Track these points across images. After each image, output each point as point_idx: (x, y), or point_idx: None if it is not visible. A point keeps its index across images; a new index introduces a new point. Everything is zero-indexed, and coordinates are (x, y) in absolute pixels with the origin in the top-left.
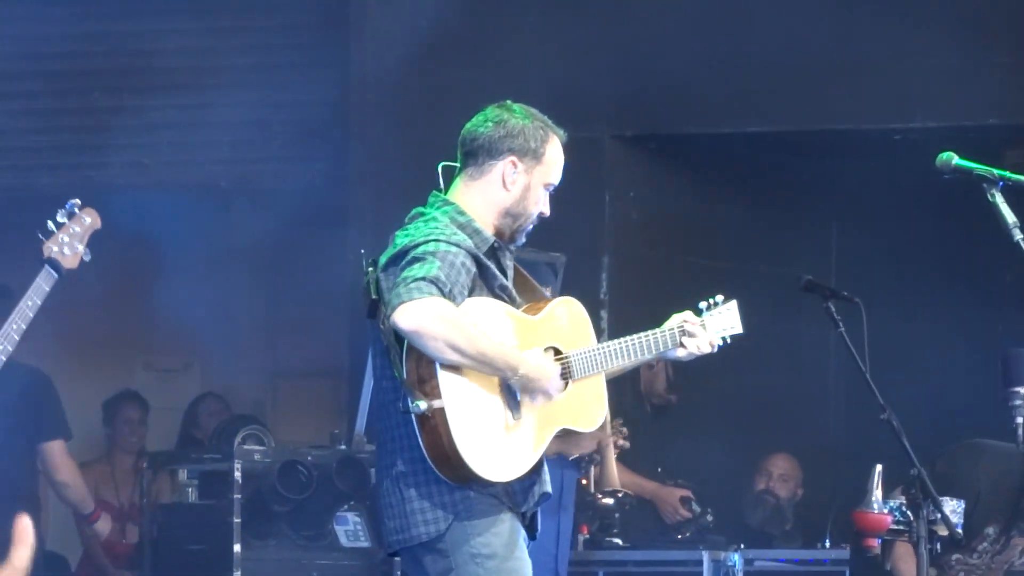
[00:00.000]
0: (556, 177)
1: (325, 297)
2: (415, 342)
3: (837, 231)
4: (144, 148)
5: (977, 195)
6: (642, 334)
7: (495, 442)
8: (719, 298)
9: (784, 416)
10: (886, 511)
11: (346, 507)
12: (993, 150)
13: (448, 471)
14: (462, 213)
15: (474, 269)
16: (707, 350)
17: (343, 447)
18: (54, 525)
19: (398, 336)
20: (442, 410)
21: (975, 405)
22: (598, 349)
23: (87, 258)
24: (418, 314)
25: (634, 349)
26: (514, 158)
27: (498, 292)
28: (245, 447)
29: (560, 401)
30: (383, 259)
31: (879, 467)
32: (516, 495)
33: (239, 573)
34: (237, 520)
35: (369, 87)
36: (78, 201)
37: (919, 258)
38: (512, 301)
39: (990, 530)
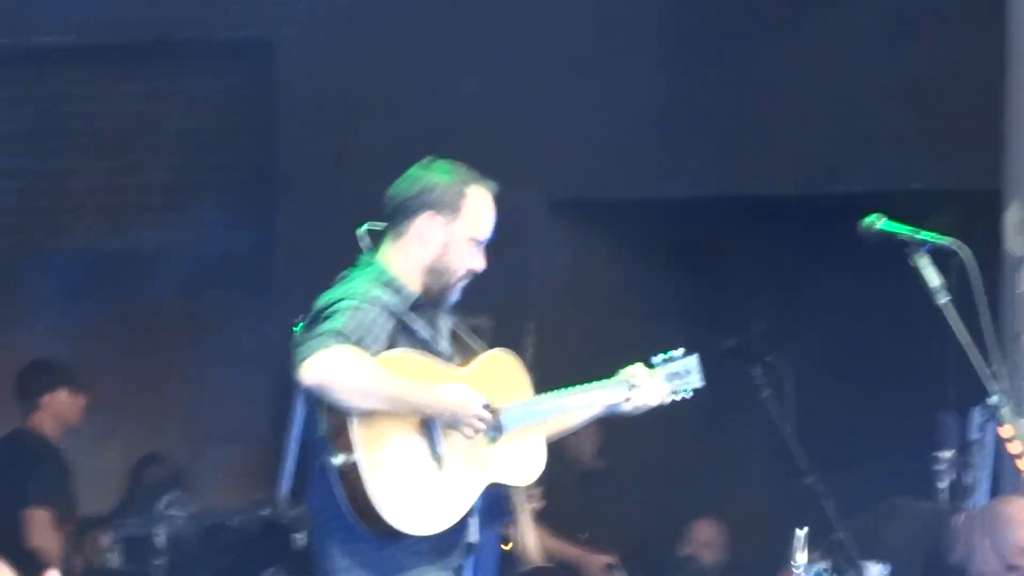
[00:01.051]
0: (480, 231)
1: (249, 361)
2: (324, 395)
3: (762, 295)
4: (71, 212)
5: (902, 258)
6: (585, 386)
7: (415, 494)
8: (678, 352)
9: (709, 481)
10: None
11: (269, 571)
12: (917, 214)
13: (370, 524)
14: (384, 272)
15: (390, 324)
16: (655, 403)
17: (266, 511)
18: None
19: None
20: (355, 464)
21: (901, 468)
22: (533, 401)
23: None
24: (321, 367)
25: (574, 402)
26: (430, 212)
27: (422, 347)
28: (168, 512)
29: (492, 454)
30: (306, 320)
31: (803, 531)
32: (444, 550)
33: None
34: None
35: (295, 151)
36: None
37: (843, 322)
38: (438, 356)
39: None
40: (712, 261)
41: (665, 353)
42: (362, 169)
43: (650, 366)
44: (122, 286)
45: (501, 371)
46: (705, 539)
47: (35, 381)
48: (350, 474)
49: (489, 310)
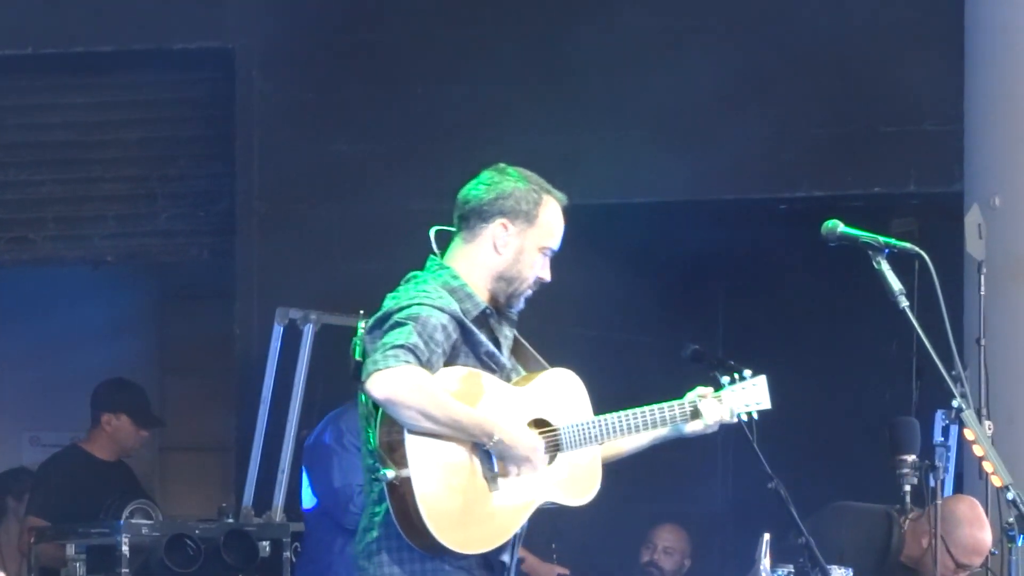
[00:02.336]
0: (553, 241)
1: (212, 370)
2: (388, 410)
3: (724, 300)
4: (29, 224)
5: (863, 263)
6: (646, 408)
7: (465, 512)
8: (747, 372)
9: (672, 486)
10: None
11: None
12: (880, 219)
13: (417, 540)
14: (456, 277)
15: (456, 334)
16: (716, 425)
17: (231, 520)
18: None
19: (374, 402)
20: (408, 479)
21: (864, 472)
22: (592, 422)
23: None
24: (391, 383)
25: (635, 423)
26: (505, 220)
27: (484, 359)
28: (133, 521)
29: (547, 473)
30: (370, 321)
31: (767, 536)
32: (491, 568)
33: None
34: None
35: (255, 160)
36: None
37: (806, 327)
38: (500, 369)
39: None
40: (676, 265)
41: (735, 373)
42: (323, 177)
43: (718, 386)
44: (82, 296)
45: (562, 389)
46: (665, 546)
47: (104, 397)
48: (401, 488)
49: None
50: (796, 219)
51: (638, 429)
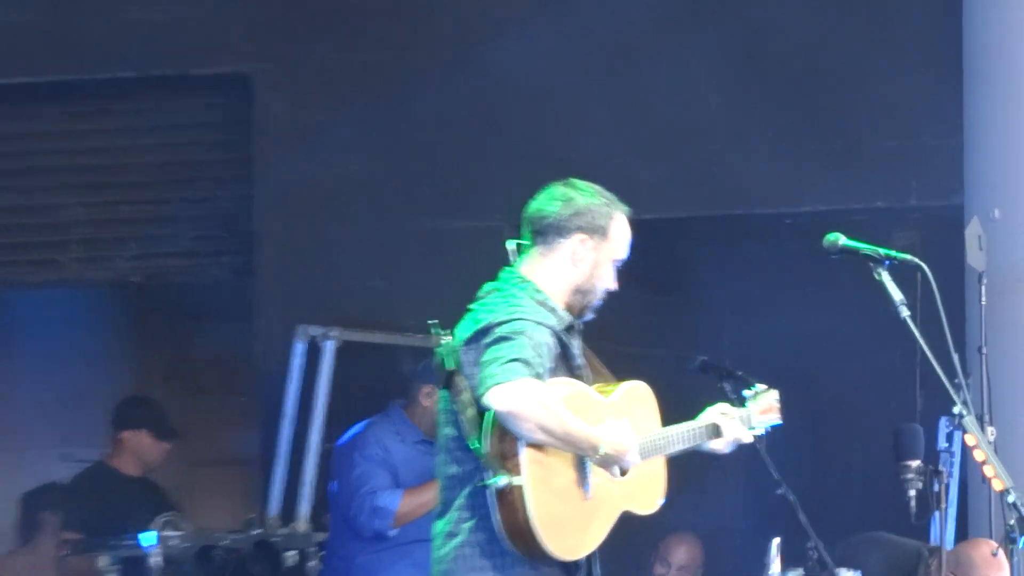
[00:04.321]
0: (623, 252)
1: (235, 388)
2: (507, 422)
3: (730, 313)
4: (55, 246)
5: (866, 275)
6: (681, 425)
7: (569, 521)
8: (761, 386)
9: (684, 494)
10: None
11: None
12: (881, 232)
13: (520, 546)
14: (539, 291)
15: (557, 349)
16: (743, 440)
17: (257, 531)
18: None
19: (479, 409)
20: (521, 487)
21: (870, 478)
22: (661, 435)
23: None
24: (513, 396)
25: (690, 436)
26: (583, 236)
27: (576, 371)
28: (163, 533)
29: (623, 484)
30: (463, 333)
31: (777, 540)
32: (569, 572)
33: None
34: None
35: (272, 182)
36: None
37: (811, 338)
38: (587, 380)
39: None
40: (684, 280)
41: (750, 388)
42: (339, 198)
43: (741, 402)
44: (107, 316)
45: (640, 403)
46: (681, 564)
47: (122, 415)
48: (511, 495)
49: None
50: (801, 233)
51: (693, 442)
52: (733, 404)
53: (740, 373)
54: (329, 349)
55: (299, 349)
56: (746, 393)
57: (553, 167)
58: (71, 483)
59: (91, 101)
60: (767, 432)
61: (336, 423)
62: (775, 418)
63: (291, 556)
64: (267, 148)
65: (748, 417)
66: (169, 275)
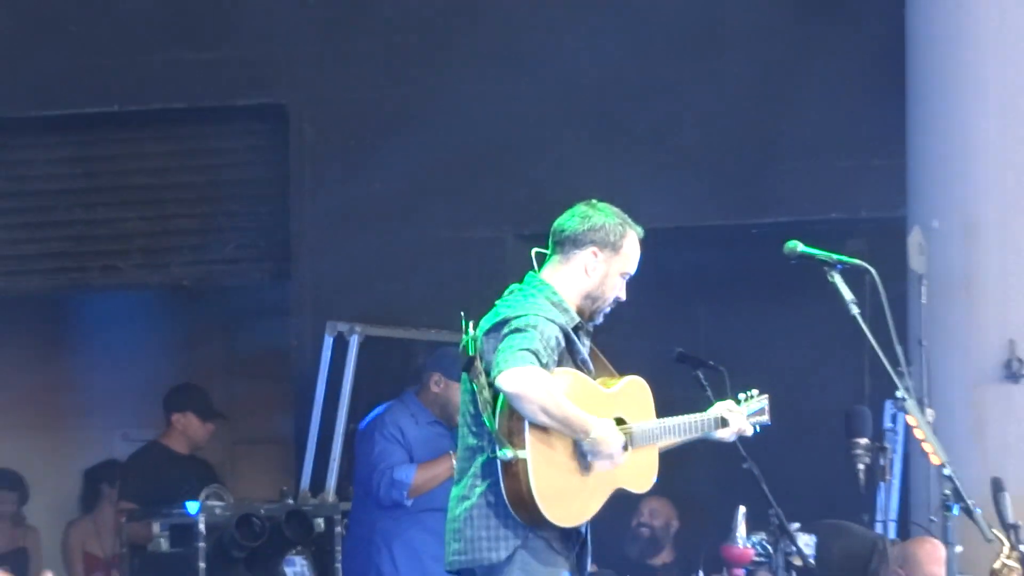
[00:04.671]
0: (632, 267)
1: (273, 376)
2: (514, 403)
3: (704, 310)
4: (117, 254)
5: (821, 277)
6: (691, 416)
7: (566, 493)
8: (754, 392)
9: (660, 466)
10: (749, 545)
11: (293, 552)
12: (836, 240)
13: (522, 512)
14: (555, 293)
15: (564, 343)
16: (741, 433)
17: (291, 501)
18: None
19: (493, 391)
20: (525, 460)
21: (824, 454)
22: (657, 424)
23: None
24: (520, 380)
25: (684, 427)
26: (595, 249)
27: (580, 364)
28: (208, 503)
29: (621, 464)
30: (485, 324)
31: (742, 508)
32: (566, 541)
33: None
34: (202, 565)
35: (305, 200)
36: None
37: (775, 333)
38: (590, 373)
39: None
40: (662, 282)
41: (746, 392)
42: (363, 211)
43: (737, 401)
44: (164, 316)
45: (636, 394)
46: (651, 509)
47: (171, 401)
48: (515, 467)
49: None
50: (765, 241)
51: (684, 434)
52: (714, 395)
53: (712, 363)
54: (354, 343)
55: (328, 343)
56: (741, 396)
57: (546, 182)
58: (127, 460)
59: (148, 129)
60: (759, 430)
61: (360, 407)
62: (764, 419)
63: (320, 523)
64: (300, 169)
65: (744, 415)
66: (216, 279)
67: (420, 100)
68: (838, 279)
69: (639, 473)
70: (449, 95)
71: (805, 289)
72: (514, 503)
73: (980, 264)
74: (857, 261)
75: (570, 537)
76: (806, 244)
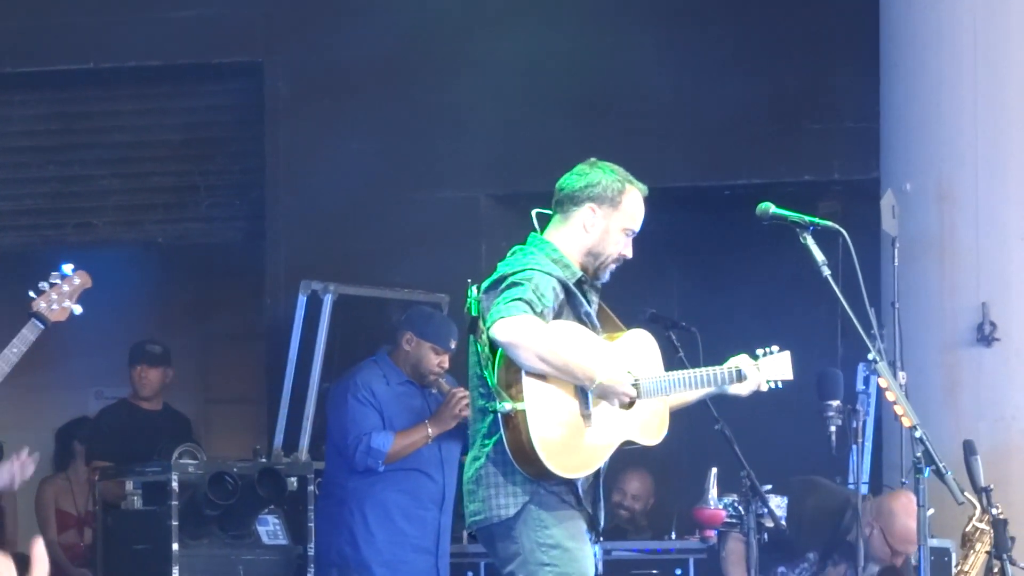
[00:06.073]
0: (634, 224)
1: (246, 335)
2: (509, 352)
3: (677, 272)
4: (92, 211)
5: (793, 239)
6: (703, 368)
7: (568, 444)
8: (774, 348)
9: None
10: (720, 507)
11: (266, 511)
12: (809, 202)
13: (526, 466)
14: (555, 250)
15: (562, 295)
16: (757, 389)
17: (263, 460)
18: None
19: (492, 346)
20: (524, 412)
21: (797, 416)
22: (664, 376)
23: (78, 311)
24: (513, 328)
25: (695, 380)
26: (593, 205)
27: (582, 318)
28: (181, 461)
29: (628, 416)
30: (485, 284)
31: (714, 470)
32: (579, 494)
33: (177, 569)
34: (175, 523)
35: (281, 156)
36: (71, 265)
37: (747, 295)
38: (594, 328)
39: (811, 555)
40: (638, 245)
41: (766, 348)
42: (338, 171)
43: (754, 357)
44: (139, 274)
45: (641, 347)
46: (634, 493)
47: (130, 356)
48: (515, 419)
49: (446, 289)
50: (738, 203)
51: (698, 386)
52: (687, 357)
53: (684, 324)
54: (328, 302)
55: (301, 302)
56: (759, 351)
57: (521, 143)
58: (95, 417)
59: (123, 86)
60: (779, 386)
61: (333, 367)
62: (787, 375)
63: (292, 482)
64: (275, 128)
65: (765, 369)
66: (190, 237)
67: (395, 60)
68: (810, 241)
69: (648, 425)
70: (424, 56)
71: (777, 251)
72: (517, 456)
73: (953, 227)
74: (829, 223)
75: (583, 491)
76: (778, 206)
